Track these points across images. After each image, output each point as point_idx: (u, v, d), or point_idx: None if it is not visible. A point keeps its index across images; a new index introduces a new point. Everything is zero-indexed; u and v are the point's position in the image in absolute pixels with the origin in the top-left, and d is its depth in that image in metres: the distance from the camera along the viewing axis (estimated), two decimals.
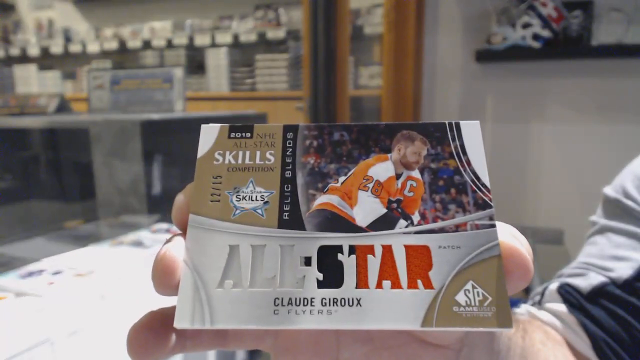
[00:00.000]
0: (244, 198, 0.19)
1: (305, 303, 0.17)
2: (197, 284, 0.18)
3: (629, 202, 0.44)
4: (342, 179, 0.20)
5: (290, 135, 0.21)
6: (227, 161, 0.20)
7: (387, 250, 0.18)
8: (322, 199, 0.19)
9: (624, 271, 0.41)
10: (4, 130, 1.24)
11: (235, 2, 3.01)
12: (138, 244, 0.67)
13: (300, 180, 0.20)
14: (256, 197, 0.19)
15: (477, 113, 2.06)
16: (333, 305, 0.17)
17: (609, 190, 0.48)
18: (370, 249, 0.18)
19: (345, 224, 0.19)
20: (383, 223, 0.19)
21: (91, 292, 0.55)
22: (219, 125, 0.21)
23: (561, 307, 0.43)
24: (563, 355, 0.38)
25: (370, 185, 0.20)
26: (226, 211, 0.19)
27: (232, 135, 0.21)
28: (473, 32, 1.99)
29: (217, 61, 2.91)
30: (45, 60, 3.60)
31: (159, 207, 0.92)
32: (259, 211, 0.19)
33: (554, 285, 0.45)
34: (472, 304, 0.17)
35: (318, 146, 0.21)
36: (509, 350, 0.27)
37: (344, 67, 1.61)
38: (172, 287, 0.18)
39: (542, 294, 0.46)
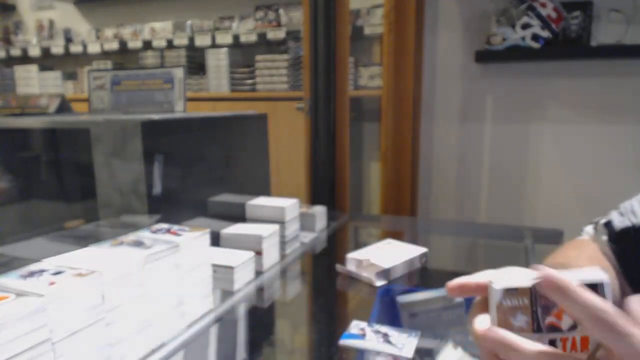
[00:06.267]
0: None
1: None
2: None
3: None
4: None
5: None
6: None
7: None
8: None
9: None
10: (5, 130, 1.25)
11: (235, 2, 3.01)
12: (139, 244, 0.68)
13: None
14: None
15: (477, 113, 2.06)
16: None
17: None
18: None
19: None
20: None
21: (92, 292, 0.56)
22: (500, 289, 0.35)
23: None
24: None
25: None
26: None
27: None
28: (473, 33, 2.00)
29: (218, 62, 2.92)
30: (46, 61, 3.60)
31: (160, 208, 0.92)
32: None
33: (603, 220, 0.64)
34: None
35: None
36: None
37: (344, 68, 1.61)
38: None
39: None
